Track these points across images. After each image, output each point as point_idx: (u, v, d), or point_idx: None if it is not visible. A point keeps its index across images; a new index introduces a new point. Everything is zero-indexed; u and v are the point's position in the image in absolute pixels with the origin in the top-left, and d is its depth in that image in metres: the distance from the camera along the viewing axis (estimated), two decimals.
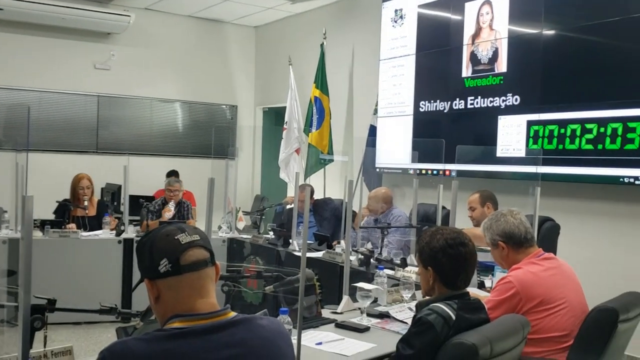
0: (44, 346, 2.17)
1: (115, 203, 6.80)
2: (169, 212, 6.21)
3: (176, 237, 1.58)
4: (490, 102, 5.81)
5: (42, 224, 5.51)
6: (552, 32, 5.34)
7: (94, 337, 5.23)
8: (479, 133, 5.97)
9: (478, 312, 2.36)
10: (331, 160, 7.71)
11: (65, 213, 5.91)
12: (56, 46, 8.37)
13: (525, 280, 2.77)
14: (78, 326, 5.29)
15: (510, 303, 2.73)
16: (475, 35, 6.02)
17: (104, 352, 1.46)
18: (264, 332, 1.60)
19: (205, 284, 1.59)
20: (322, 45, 7.70)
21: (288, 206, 7.14)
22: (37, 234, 5.55)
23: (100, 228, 5.94)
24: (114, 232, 5.84)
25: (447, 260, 2.36)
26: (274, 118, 9.75)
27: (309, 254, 4.98)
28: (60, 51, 8.40)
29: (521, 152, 5.51)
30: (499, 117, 5.71)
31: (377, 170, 7.10)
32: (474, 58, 6.02)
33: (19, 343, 1.53)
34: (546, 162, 5.10)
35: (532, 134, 5.42)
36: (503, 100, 5.70)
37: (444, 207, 4.62)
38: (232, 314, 1.60)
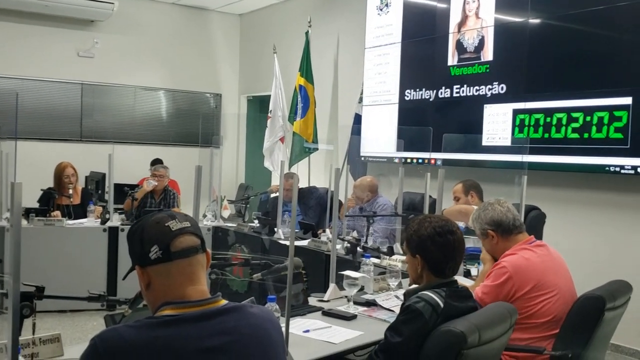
0: (33, 333, 2.16)
1: (99, 191, 6.74)
2: (144, 191, 6.11)
3: (167, 224, 1.58)
4: (476, 90, 5.83)
5: (27, 212, 5.46)
6: (538, 20, 5.36)
7: (79, 325, 5.21)
8: (464, 121, 5.99)
9: (466, 300, 2.38)
10: (316, 149, 7.70)
11: (49, 201, 5.87)
12: (39, 34, 8.26)
13: (519, 266, 2.79)
14: (63, 314, 5.27)
15: (504, 288, 2.75)
16: (462, 24, 6.03)
17: (95, 339, 1.45)
18: (255, 320, 1.60)
19: (195, 271, 1.59)
20: (307, 33, 7.67)
21: (273, 195, 7.14)
22: (22, 222, 5.49)
23: (84, 216, 5.91)
24: (99, 220, 5.81)
25: (436, 248, 2.37)
26: (259, 107, 9.72)
27: (295, 243, 4.99)
28: (44, 39, 8.29)
29: (507, 141, 5.53)
30: (485, 105, 5.73)
31: (362, 159, 7.11)
32: (460, 46, 6.03)
33: (9, 330, 1.52)
34: (532, 151, 5.13)
35: (517, 122, 5.45)
36: (489, 89, 5.72)
37: (430, 196, 4.63)
38: (223, 301, 1.60)
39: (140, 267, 1.59)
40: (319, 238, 5.09)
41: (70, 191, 5.96)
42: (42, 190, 5.93)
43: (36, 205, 5.86)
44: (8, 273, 2.30)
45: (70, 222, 5.74)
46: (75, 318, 5.30)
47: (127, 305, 2.17)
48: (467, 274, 3.76)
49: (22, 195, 1.54)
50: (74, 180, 6.05)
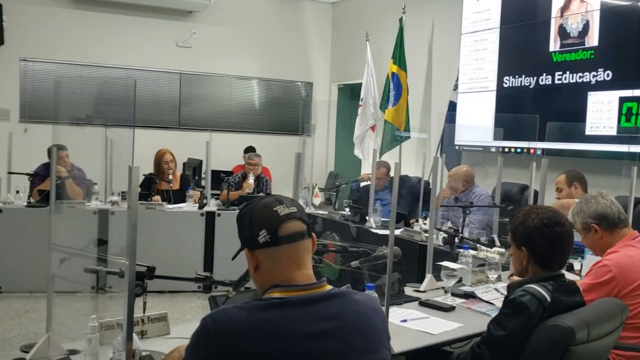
0: (143, 312, 2.25)
1: (196, 177, 6.96)
2: (250, 186, 6.32)
3: (274, 209, 1.60)
4: (580, 77, 5.58)
5: None
6: None
7: (178, 306, 5.41)
8: (566, 110, 5.75)
9: (574, 294, 2.28)
10: (408, 137, 7.62)
11: (150, 186, 6.09)
12: (140, 25, 8.61)
13: (623, 265, 2.66)
14: (162, 295, 5.46)
15: (606, 287, 2.63)
16: (565, 8, 5.77)
17: (206, 319, 1.50)
18: (359, 307, 1.60)
19: (302, 256, 1.61)
20: (400, 20, 7.57)
21: (364, 183, 7.13)
22: (124, 205, 5.77)
23: (183, 201, 6.12)
24: (197, 205, 5.99)
25: (543, 241, 2.28)
26: (349, 95, 9.71)
27: (385, 232, 4.97)
28: (144, 29, 8.62)
29: (612, 130, 5.26)
30: (589, 93, 5.47)
31: (457, 147, 6.96)
32: (562, 31, 5.77)
33: (125, 308, 1.59)
34: None
35: (624, 111, 5.16)
36: (593, 76, 5.45)
37: (526, 187, 4.49)
38: (328, 287, 1.62)
39: (249, 250, 1.62)
40: (412, 227, 5.04)
41: (170, 177, 6.18)
42: (143, 175, 6.17)
43: (138, 189, 6.10)
44: (115, 254, 2.42)
45: (170, 206, 5.96)
46: (173, 299, 5.50)
47: (231, 287, 2.22)
48: (570, 268, 3.61)
49: (124, 179, 1.60)
50: (172, 167, 6.26)
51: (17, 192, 5.79)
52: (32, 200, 5.75)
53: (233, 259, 1.83)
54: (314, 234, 1.66)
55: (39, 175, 5.85)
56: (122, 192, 5.86)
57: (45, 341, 2.10)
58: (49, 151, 5.82)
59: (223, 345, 1.45)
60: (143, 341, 2.20)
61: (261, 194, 6.30)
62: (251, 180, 6.37)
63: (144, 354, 2.02)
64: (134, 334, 1.69)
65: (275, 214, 1.59)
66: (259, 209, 1.62)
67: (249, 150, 8.20)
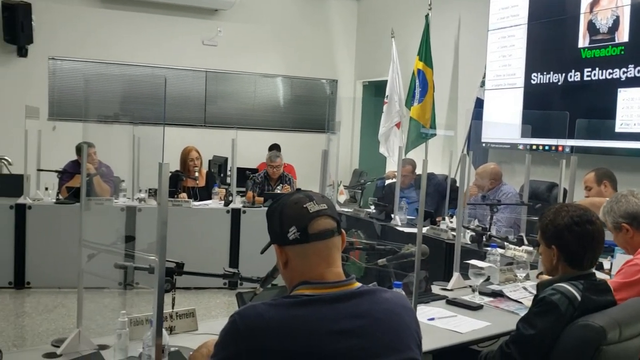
0: (172, 307, 2.27)
1: (222, 175, 6.99)
2: (287, 189, 6.36)
3: (305, 206, 1.59)
4: (609, 74, 5.48)
5: (156, 193, 5.75)
6: None
7: (203, 302, 5.45)
8: (595, 106, 5.66)
9: (605, 294, 2.25)
10: (433, 135, 7.56)
11: (177, 183, 6.13)
12: (166, 23, 8.68)
13: None
14: (188, 291, 5.52)
15: (637, 287, 2.59)
16: (594, 3, 5.67)
17: (235, 316, 1.50)
18: (388, 305, 1.59)
19: (331, 253, 1.60)
20: (426, 16, 7.52)
21: (389, 180, 7.10)
22: (152, 202, 5.83)
23: (209, 198, 6.16)
24: (223, 202, 6.02)
25: (573, 239, 2.25)
26: (374, 92, 9.68)
27: (411, 230, 4.95)
28: (171, 28, 8.69)
29: None
30: (619, 89, 5.38)
31: (484, 145, 6.89)
32: (592, 27, 5.68)
33: (155, 304, 1.59)
34: None
35: None
36: (624, 72, 5.36)
37: (556, 185, 4.43)
38: (357, 284, 1.61)
39: (278, 246, 1.62)
40: (438, 226, 5.00)
41: (196, 174, 6.21)
42: (170, 172, 6.21)
43: (167, 186, 6.15)
44: (143, 250, 2.44)
45: (196, 203, 6.00)
46: (199, 295, 5.54)
47: (258, 283, 2.23)
48: (600, 267, 3.56)
49: (153, 176, 1.61)
50: (198, 164, 6.29)
51: (46, 189, 5.88)
52: (60, 197, 5.84)
53: (262, 252, 1.83)
54: (343, 231, 1.65)
55: (68, 173, 5.94)
56: (149, 189, 5.92)
57: (76, 336, 2.13)
58: (78, 148, 5.91)
59: (252, 342, 1.45)
60: (172, 337, 2.21)
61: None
62: (285, 184, 6.41)
63: (172, 349, 2.04)
64: (163, 330, 1.70)
65: (306, 211, 1.58)
66: (289, 205, 1.61)
67: (273, 148, 8.21)
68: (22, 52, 8.00)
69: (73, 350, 2.11)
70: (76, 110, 8.15)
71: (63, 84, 8.34)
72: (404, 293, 2.40)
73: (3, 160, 7.59)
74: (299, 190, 1.82)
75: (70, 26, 8.21)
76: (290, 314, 1.48)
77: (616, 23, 5.46)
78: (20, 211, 5.59)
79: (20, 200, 5.67)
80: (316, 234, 1.57)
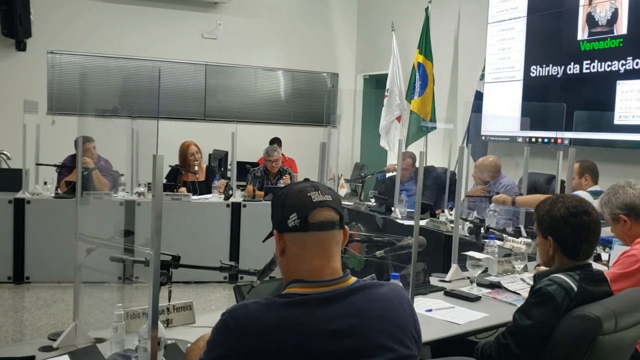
0: (169, 301, 2.27)
1: (222, 169, 6.98)
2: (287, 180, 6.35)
3: (308, 194, 1.56)
4: (608, 66, 5.48)
5: None
6: None
7: (203, 296, 5.46)
8: (594, 99, 5.66)
9: (601, 284, 2.25)
10: (434, 128, 7.57)
11: (176, 177, 6.14)
12: (166, 16, 8.66)
13: None
14: (188, 285, 5.52)
15: (634, 277, 2.60)
16: None
17: (225, 315, 1.49)
18: (384, 302, 1.56)
19: (330, 246, 1.57)
20: (426, 9, 7.52)
21: (389, 174, 7.10)
22: (150, 196, 5.81)
23: (209, 192, 6.15)
24: (223, 196, 6.02)
25: (569, 230, 2.24)
26: (375, 85, 9.67)
27: (411, 222, 4.95)
28: (170, 21, 8.68)
29: None
30: (618, 82, 5.37)
31: (483, 138, 6.89)
32: (590, 20, 5.67)
33: (150, 297, 1.59)
34: None
35: None
36: (622, 65, 5.36)
37: (553, 177, 4.43)
38: (353, 279, 1.58)
39: (278, 232, 1.60)
40: (437, 218, 5.01)
41: (196, 168, 6.21)
42: (169, 166, 6.22)
43: (164, 181, 6.15)
44: (142, 245, 2.44)
45: (196, 197, 6.00)
46: (199, 289, 5.55)
47: (255, 276, 2.23)
48: (598, 259, 3.56)
49: (150, 170, 1.60)
50: (198, 158, 6.28)
51: (45, 183, 5.87)
52: (59, 191, 5.84)
53: (264, 241, 1.81)
54: (346, 227, 1.62)
55: (66, 167, 5.93)
56: (148, 183, 5.91)
57: (72, 329, 2.12)
58: (76, 142, 5.90)
59: (242, 342, 1.44)
60: (169, 330, 2.21)
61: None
62: (286, 176, 6.39)
63: (169, 342, 2.03)
64: (159, 322, 1.70)
65: (309, 200, 1.56)
66: (293, 192, 1.59)
67: (274, 141, 8.21)
68: (21, 46, 8.00)
69: (69, 343, 2.11)
70: (75, 104, 8.16)
71: (62, 77, 8.34)
72: (401, 285, 2.41)
73: (2, 155, 7.59)
74: (306, 180, 1.80)
75: (69, 20, 8.19)
76: (282, 314, 1.46)
77: (615, 15, 5.45)
78: (19, 206, 5.59)
79: (19, 195, 5.66)
80: (316, 224, 1.55)
